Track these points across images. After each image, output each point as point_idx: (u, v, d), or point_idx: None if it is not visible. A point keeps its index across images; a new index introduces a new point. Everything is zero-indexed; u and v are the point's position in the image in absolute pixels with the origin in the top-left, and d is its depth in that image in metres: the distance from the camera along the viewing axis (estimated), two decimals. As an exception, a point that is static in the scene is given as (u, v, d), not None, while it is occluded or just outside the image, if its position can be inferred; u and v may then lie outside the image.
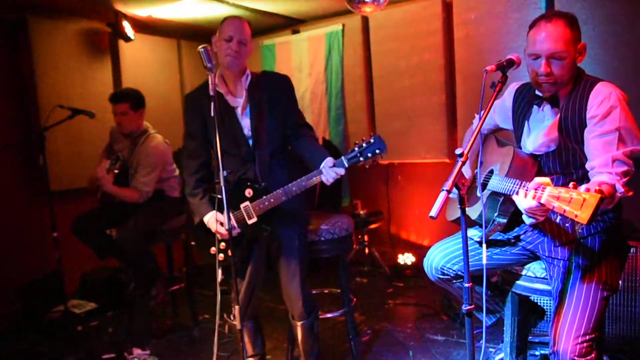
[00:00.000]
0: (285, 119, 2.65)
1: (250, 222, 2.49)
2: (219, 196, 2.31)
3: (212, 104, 2.18)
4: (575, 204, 1.50)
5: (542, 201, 1.60)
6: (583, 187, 1.53)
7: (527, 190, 1.70)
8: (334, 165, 2.37)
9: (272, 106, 2.61)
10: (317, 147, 2.63)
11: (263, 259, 2.69)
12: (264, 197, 2.46)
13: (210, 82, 2.20)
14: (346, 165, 2.36)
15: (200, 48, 2.20)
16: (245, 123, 2.59)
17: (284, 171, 2.64)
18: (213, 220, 2.52)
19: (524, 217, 1.82)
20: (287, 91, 2.68)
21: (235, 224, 2.48)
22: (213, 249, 2.61)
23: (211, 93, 2.20)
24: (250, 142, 2.59)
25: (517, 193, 1.80)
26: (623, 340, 2.94)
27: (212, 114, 2.17)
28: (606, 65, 3.43)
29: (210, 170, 2.71)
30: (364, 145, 2.34)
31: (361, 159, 2.34)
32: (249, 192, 2.48)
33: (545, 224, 2.16)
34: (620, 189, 1.80)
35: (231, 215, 2.49)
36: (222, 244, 2.56)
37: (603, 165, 1.88)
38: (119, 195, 3.58)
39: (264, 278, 2.72)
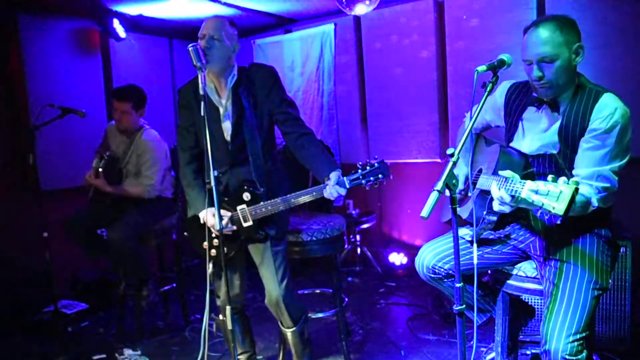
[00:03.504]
0: (273, 116, 2.54)
1: (245, 224, 2.48)
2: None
3: (203, 103, 2.17)
4: (552, 196, 1.53)
5: (523, 195, 1.65)
6: (561, 180, 1.56)
7: (498, 182, 1.75)
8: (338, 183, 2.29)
9: (255, 106, 2.51)
10: (322, 155, 2.47)
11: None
12: (262, 203, 2.44)
13: (200, 80, 2.20)
14: (348, 186, 2.30)
15: (190, 46, 2.20)
16: (226, 126, 2.54)
17: (277, 175, 2.61)
18: (210, 214, 2.45)
19: (494, 203, 1.87)
20: (271, 85, 2.52)
21: (230, 223, 2.47)
22: (205, 244, 2.59)
23: (201, 92, 2.19)
24: (230, 146, 2.53)
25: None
26: (613, 339, 2.97)
27: (202, 114, 2.17)
28: (596, 66, 3.45)
29: (203, 163, 2.65)
30: (368, 168, 2.28)
31: (363, 181, 2.29)
32: (246, 196, 2.46)
33: (537, 222, 2.18)
34: (594, 203, 1.86)
35: (227, 214, 2.49)
36: (215, 240, 2.54)
37: (586, 177, 1.94)
38: (121, 194, 3.59)
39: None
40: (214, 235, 2.51)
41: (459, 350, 1.78)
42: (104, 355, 3.38)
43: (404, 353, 3.24)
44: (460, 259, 1.73)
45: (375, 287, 4.55)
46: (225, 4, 4.40)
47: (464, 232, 2.33)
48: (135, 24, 4.73)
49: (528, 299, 2.84)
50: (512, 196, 1.75)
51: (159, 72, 5.19)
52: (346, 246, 5.02)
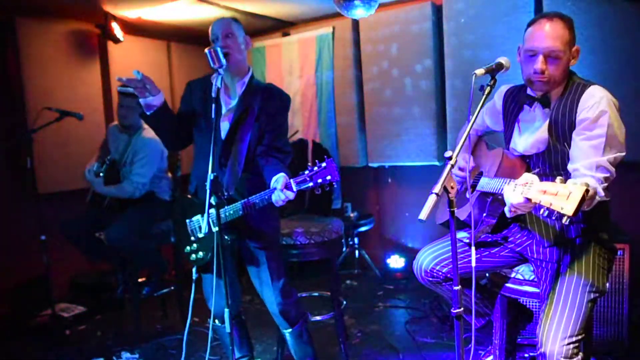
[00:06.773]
0: (265, 137, 2.51)
1: (214, 229, 2.45)
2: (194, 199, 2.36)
3: (214, 105, 2.18)
4: (562, 197, 1.53)
5: (529, 196, 1.62)
6: (569, 181, 1.56)
7: (515, 185, 1.72)
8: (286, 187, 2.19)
9: (259, 121, 2.50)
10: (277, 166, 2.41)
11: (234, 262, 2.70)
12: (226, 207, 2.41)
13: (213, 82, 2.21)
14: (295, 189, 2.19)
15: (206, 50, 2.21)
16: (224, 127, 2.53)
17: (256, 184, 2.53)
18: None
19: (506, 209, 1.83)
20: (281, 110, 2.56)
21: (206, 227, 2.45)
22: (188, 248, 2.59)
23: (213, 95, 2.19)
24: (220, 146, 2.51)
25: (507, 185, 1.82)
26: (611, 342, 2.97)
27: (212, 116, 2.17)
28: (593, 68, 3.45)
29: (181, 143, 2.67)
30: (315, 169, 2.17)
31: (310, 184, 2.17)
32: (214, 200, 2.44)
33: (534, 225, 2.18)
34: (601, 192, 1.84)
35: (203, 219, 2.46)
36: (194, 245, 2.53)
37: (587, 169, 1.91)
38: (113, 193, 3.62)
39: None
40: (192, 239, 2.51)
41: (457, 354, 1.78)
42: (101, 359, 3.37)
43: (402, 356, 3.24)
44: (459, 262, 1.73)
45: (373, 290, 4.55)
46: (223, 7, 4.41)
47: (462, 235, 2.34)
48: (133, 26, 4.74)
49: (526, 302, 2.84)
50: (527, 199, 1.68)
51: (157, 74, 5.18)
52: (344, 249, 5.02)
